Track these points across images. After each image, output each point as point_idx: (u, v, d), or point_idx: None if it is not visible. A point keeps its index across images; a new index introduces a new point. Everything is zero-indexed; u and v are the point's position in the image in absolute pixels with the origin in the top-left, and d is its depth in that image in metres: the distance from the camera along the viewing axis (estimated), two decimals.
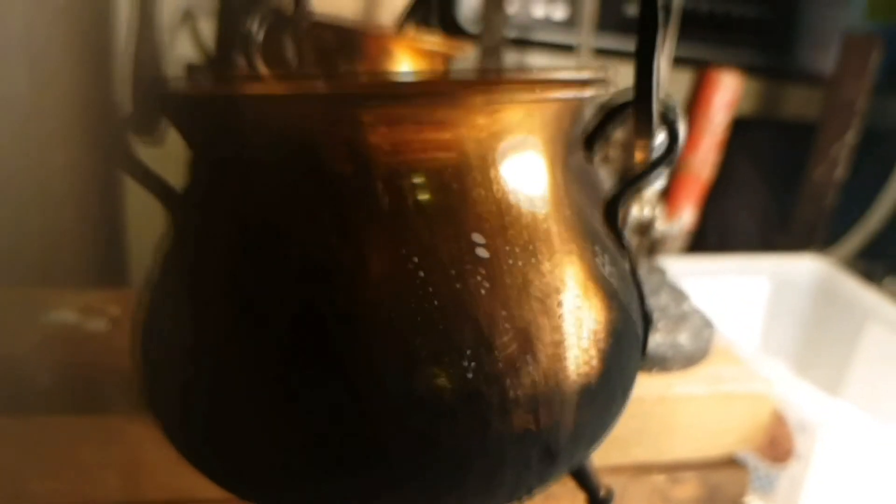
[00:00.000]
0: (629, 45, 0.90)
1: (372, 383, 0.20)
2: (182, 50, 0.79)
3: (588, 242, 0.23)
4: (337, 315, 0.20)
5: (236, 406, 0.22)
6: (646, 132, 0.24)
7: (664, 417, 0.44)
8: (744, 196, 0.90)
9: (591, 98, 0.23)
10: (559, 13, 0.90)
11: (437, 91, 0.19)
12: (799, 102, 0.95)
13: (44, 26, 0.72)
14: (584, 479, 0.29)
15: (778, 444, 0.48)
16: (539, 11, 0.90)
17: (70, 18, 0.79)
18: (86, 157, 0.81)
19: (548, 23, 0.89)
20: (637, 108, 0.24)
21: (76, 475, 0.34)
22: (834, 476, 0.48)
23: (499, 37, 0.83)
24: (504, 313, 0.21)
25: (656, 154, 0.25)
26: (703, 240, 0.83)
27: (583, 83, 0.22)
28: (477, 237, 0.21)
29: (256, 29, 0.31)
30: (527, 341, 0.21)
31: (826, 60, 0.94)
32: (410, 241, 0.20)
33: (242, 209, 0.22)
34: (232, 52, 0.44)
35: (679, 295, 0.49)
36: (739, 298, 0.68)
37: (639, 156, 0.26)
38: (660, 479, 0.46)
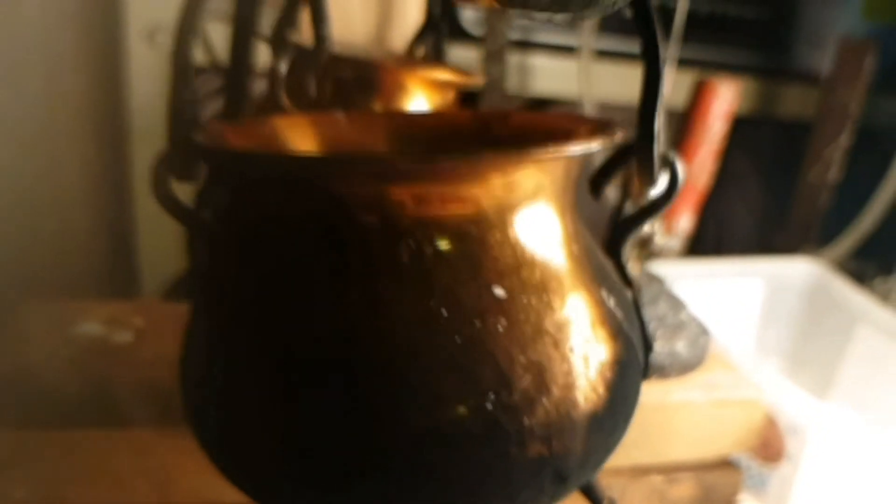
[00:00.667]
0: (629, 46, 0.92)
1: (396, 417, 0.22)
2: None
3: (596, 280, 0.25)
4: (363, 354, 0.22)
5: (262, 432, 0.24)
6: (648, 176, 0.26)
7: (662, 422, 0.47)
8: (741, 195, 0.92)
9: (598, 153, 0.25)
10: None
11: (459, 168, 0.21)
12: (796, 102, 0.97)
13: (58, 40, 0.73)
14: (589, 491, 0.31)
15: (770, 446, 0.51)
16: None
17: (82, 31, 0.80)
18: (98, 167, 0.82)
19: (549, 24, 0.91)
20: (639, 153, 0.26)
21: (111, 483, 0.36)
22: (822, 475, 0.50)
23: (502, 40, 0.84)
24: (520, 350, 0.23)
25: (657, 194, 0.27)
26: (702, 240, 0.85)
27: (590, 144, 0.24)
28: (495, 282, 0.23)
29: (281, 65, 0.33)
30: (541, 376, 0.23)
31: (823, 60, 0.96)
32: (434, 287, 0.22)
33: (271, 253, 0.24)
34: (244, 60, 0.45)
35: (677, 303, 0.52)
36: (735, 300, 0.70)
37: (639, 197, 0.28)
38: (658, 479, 0.49)
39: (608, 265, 0.28)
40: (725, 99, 0.75)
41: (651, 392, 0.47)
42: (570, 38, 0.90)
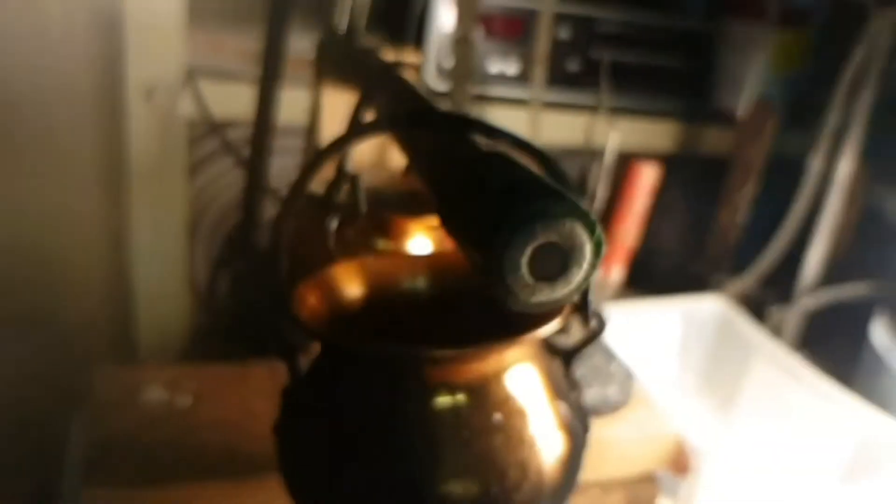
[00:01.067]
0: (573, 98, 1.06)
1: (436, 492, 0.36)
2: (184, 109, 0.92)
3: (557, 398, 0.40)
4: (421, 451, 0.37)
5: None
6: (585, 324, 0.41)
7: (599, 450, 0.62)
8: (668, 228, 1.09)
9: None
10: (512, 69, 1.05)
11: (473, 357, 0.35)
12: (716, 141, 1.13)
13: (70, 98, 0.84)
14: None
15: (680, 462, 0.67)
16: (495, 68, 1.05)
17: (88, 90, 0.90)
18: (99, 215, 0.93)
19: (503, 78, 1.05)
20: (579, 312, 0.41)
21: None
22: (719, 483, 0.67)
23: (465, 98, 0.97)
24: (510, 450, 0.37)
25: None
26: (636, 268, 1.02)
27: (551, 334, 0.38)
28: (497, 409, 0.37)
29: (332, 223, 0.47)
30: (523, 469, 0.38)
31: (738, 102, 1.13)
32: (459, 421, 0.37)
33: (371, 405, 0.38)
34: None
35: (609, 355, 0.67)
36: (657, 331, 0.86)
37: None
38: (596, 491, 0.65)
39: (564, 382, 0.42)
40: (648, 178, 0.90)
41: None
42: (521, 92, 1.04)
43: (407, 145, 0.40)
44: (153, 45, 0.90)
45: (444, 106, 0.98)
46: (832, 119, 0.90)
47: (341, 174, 0.46)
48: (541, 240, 0.28)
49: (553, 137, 1.05)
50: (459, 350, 0.36)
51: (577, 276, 0.30)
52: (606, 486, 0.65)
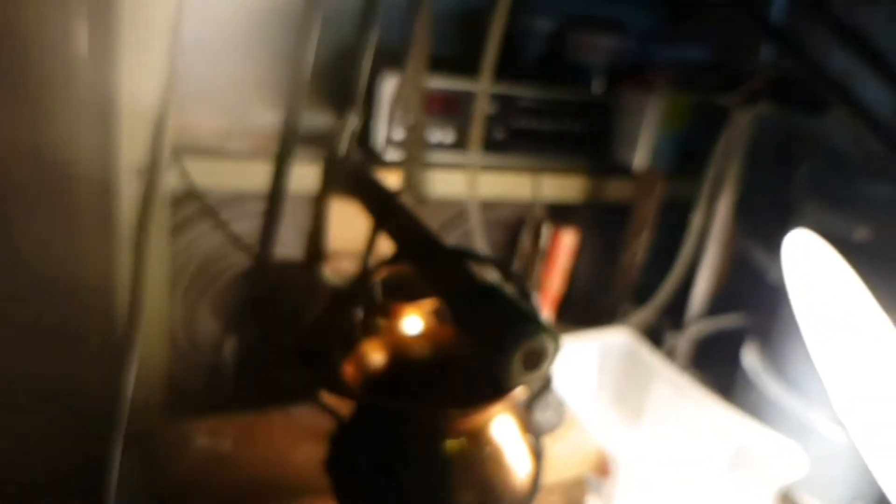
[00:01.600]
0: (500, 161, 1.27)
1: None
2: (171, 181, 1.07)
3: (528, 433, 0.60)
4: (437, 484, 0.56)
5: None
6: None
7: None
8: (581, 268, 1.31)
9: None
10: (449, 138, 1.25)
11: (466, 415, 0.55)
12: (617, 190, 1.36)
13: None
14: None
15: (602, 467, 0.89)
16: (435, 137, 1.24)
17: (87, 168, 1.04)
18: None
19: (441, 146, 1.24)
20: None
21: None
22: (632, 481, 0.89)
23: (418, 168, 1.16)
24: (497, 472, 0.57)
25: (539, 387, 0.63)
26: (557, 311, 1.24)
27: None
28: (487, 445, 0.57)
29: (359, 314, 0.65)
30: (505, 482, 0.57)
31: (633, 157, 1.36)
32: (464, 456, 0.56)
33: (394, 444, 0.57)
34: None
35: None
36: (579, 362, 1.08)
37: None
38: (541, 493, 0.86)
39: (529, 419, 0.62)
40: (568, 242, 1.12)
41: None
42: (457, 158, 1.24)
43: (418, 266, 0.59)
44: (144, 131, 1.05)
45: (398, 174, 1.17)
46: (707, 188, 1.14)
47: (363, 279, 0.65)
48: (525, 350, 0.48)
49: (487, 194, 1.25)
50: (464, 409, 0.56)
51: (545, 366, 0.50)
52: (549, 489, 0.86)
